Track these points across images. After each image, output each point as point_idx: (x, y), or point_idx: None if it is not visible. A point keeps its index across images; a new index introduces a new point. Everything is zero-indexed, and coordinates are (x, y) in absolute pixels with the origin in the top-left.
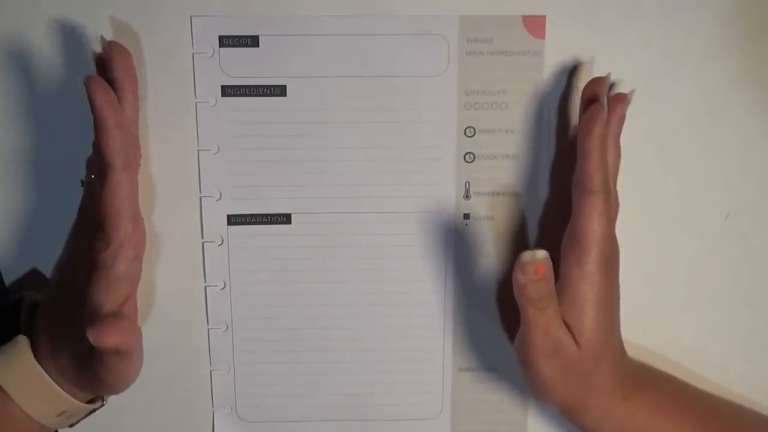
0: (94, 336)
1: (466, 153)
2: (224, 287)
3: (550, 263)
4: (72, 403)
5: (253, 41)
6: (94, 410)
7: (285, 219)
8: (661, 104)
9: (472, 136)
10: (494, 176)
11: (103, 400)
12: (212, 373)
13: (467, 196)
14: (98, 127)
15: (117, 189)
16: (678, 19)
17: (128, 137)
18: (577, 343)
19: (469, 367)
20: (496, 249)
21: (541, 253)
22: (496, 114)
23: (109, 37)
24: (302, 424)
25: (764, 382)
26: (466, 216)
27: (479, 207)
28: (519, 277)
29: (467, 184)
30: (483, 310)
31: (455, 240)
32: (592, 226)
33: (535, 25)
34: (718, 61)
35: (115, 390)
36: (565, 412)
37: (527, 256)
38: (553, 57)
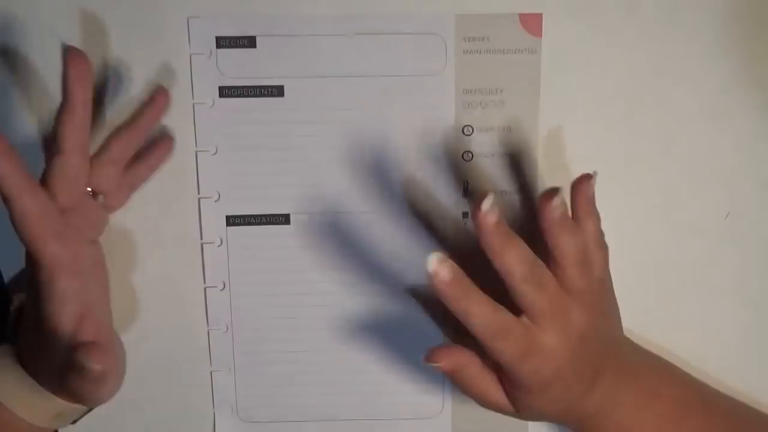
0: (87, 356)
1: (465, 152)
2: (224, 288)
3: (456, 357)
4: (65, 405)
5: (250, 42)
6: (88, 411)
7: (284, 219)
8: (661, 104)
9: (470, 134)
10: (492, 175)
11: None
12: (212, 373)
13: (466, 195)
14: (63, 104)
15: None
16: (677, 19)
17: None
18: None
19: None
20: None
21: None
22: (493, 112)
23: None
24: (303, 424)
25: (765, 382)
26: (465, 215)
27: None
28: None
29: (466, 182)
30: None
31: (454, 239)
32: (502, 349)
33: (532, 23)
34: (717, 61)
35: (95, 403)
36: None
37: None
38: (550, 55)
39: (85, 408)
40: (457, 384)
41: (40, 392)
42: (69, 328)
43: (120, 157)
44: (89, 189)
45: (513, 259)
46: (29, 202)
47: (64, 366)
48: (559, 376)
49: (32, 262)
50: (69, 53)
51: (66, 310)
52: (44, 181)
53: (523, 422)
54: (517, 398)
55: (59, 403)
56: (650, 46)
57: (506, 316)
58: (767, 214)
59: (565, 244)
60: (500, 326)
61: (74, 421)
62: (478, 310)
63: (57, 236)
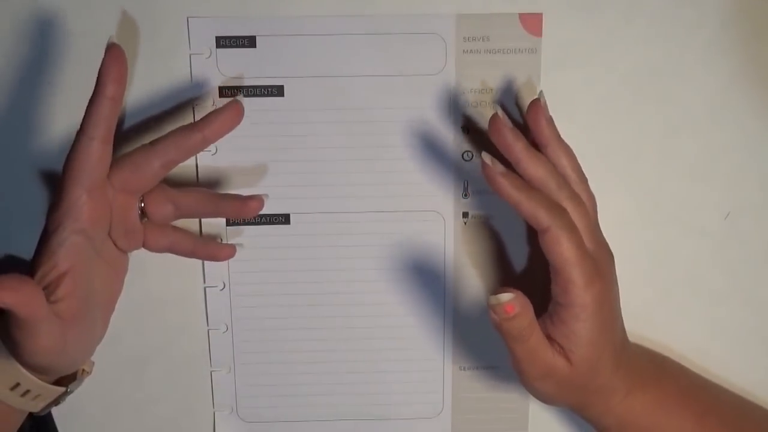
0: None
1: (465, 151)
2: (224, 288)
3: (521, 300)
4: (22, 374)
5: (250, 42)
6: (61, 397)
7: (284, 219)
8: (661, 104)
9: (470, 134)
10: None
11: (66, 388)
12: (212, 373)
13: (466, 195)
14: (94, 92)
15: (80, 154)
16: (678, 18)
17: (113, 117)
18: (569, 361)
19: (469, 366)
20: (495, 247)
21: (506, 296)
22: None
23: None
24: (302, 424)
25: (765, 382)
26: (465, 215)
27: (478, 205)
28: (493, 317)
29: (466, 182)
30: (483, 308)
31: (454, 239)
32: (562, 255)
33: (532, 22)
34: (718, 60)
35: (31, 357)
36: (569, 408)
37: (492, 300)
38: (550, 55)
39: (46, 388)
40: (513, 336)
41: (1, 353)
42: (45, 276)
43: (184, 207)
44: (141, 204)
45: (542, 170)
46: (94, 149)
47: None
48: (611, 308)
49: (53, 202)
50: (109, 49)
51: (51, 259)
52: (67, 163)
53: (523, 422)
54: (568, 346)
55: (19, 371)
56: (650, 46)
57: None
58: (767, 214)
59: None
60: (581, 248)
61: (41, 410)
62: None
63: (90, 192)
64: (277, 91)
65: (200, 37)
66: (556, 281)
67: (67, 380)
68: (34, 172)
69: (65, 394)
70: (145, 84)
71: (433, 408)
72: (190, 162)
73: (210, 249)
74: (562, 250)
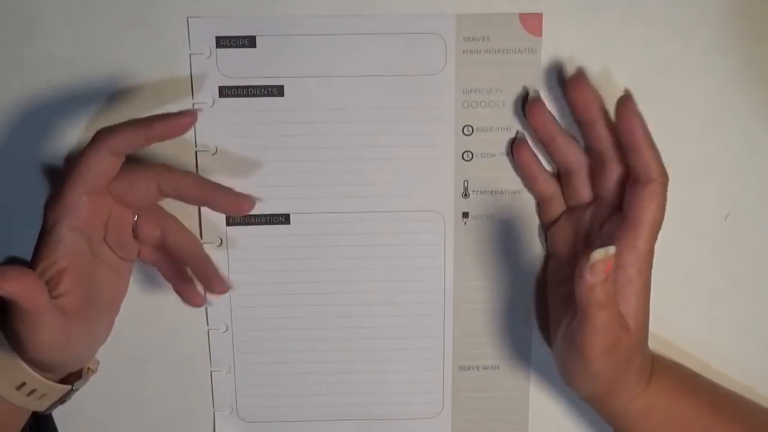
0: None
1: (465, 151)
2: None
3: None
4: (32, 376)
5: (250, 42)
6: (66, 395)
7: (284, 219)
8: (661, 104)
9: (470, 134)
10: (493, 174)
11: (72, 386)
12: (212, 373)
13: (466, 195)
14: (144, 122)
15: (92, 161)
16: (678, 18)
17: (139, 149)
18: (627, 329)
19: (469, 366)
20: (495, 247)
21: (613, 249)
22: (493, 112)
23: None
24: (302, 424)
25: (764, 382)
26: (465, 215)
27: (478, 205)
28: (588, 279)
29: (466, 182)
30: (483, 308)
31: (454, 239)
32: (651, 213)
33: (532, 22)
34: (718, 60)
35: (35, 352)
36: (595, 398)
37: (599, 254)
38: (550, 55)
39: (52, 387)
40: (601, 302)
41: (7, 352)
42: (45, 271)
43: (172, 234)
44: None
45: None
46: (103, 158)
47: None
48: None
49: (53, 196)
50: (190, 114)
51: (51, 254)
52: (76, 165)
53: (523, 422)
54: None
55: (26, 370)
56: (650, 46)
57: None
58: (767, 214)
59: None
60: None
61: (52, 406)
62: None
63: (91, 195)
64: (277, 91)
65: (200, 37)
66: (627, 236)
67: (72, 378)
68: (34, 171)
69: (71, 392)
70: (145, 84)
71: (433, 408)
72: (190, 162)
73: (205, 276)
74: (652, 208)
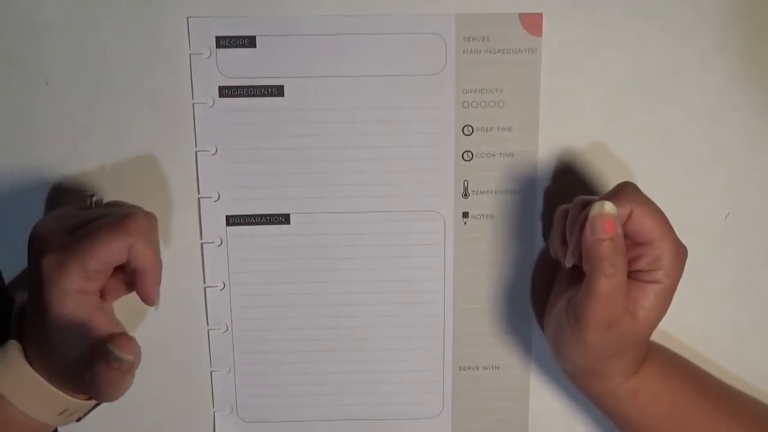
0: (119, 348)
1: (464, 151)
2: (224, 288)
3: (619, 223)
4: (71, 402)
5: (250, 42)
6: (91, 410)
7: (284, 219)
8: (660, 104)
9: (470, 134)
10: (492, 174)
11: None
12: (212, 373)
13: (466, 195)
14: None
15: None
16: (678, 18)
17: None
18: (635, 317)
19: (469, 366)
20: (495, 247)
21: (610, 206)
22: (493, 112)
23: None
24: (303, 424)
25: (764, 381)
26: (465, 214)
27: (478, 205)
28: (588, 237)
29: (465, 182)
30: (483, 308)
31: (454, 238)
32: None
33: (532, 23)
34: (719, 60)
35: (112, 398)
36: (582, 376)
37: (596, 208)
38: (550, 55)
39: (90, 404)
40: (603, 269)
41: (47, 388)
42: (78, 323)
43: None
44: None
45: None
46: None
47: (81, 360)
48: None
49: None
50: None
51: (72, 308)
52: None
53: (523, 422)
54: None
55: (67, 399)
56: (650, 46)
57: None
58: (767, 214)
59: None
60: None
61: (79, 419)
62: None
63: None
64: (277, 91)
65: (200, 37)
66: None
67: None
68: (34, 172)
69: (96, 406)
70: (145, 84)
71: (433, 408)
72: (191, 162)
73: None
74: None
